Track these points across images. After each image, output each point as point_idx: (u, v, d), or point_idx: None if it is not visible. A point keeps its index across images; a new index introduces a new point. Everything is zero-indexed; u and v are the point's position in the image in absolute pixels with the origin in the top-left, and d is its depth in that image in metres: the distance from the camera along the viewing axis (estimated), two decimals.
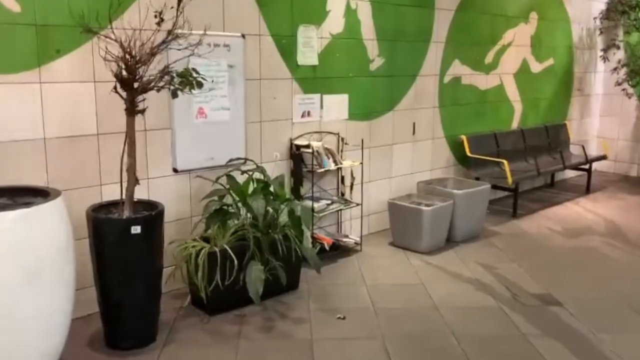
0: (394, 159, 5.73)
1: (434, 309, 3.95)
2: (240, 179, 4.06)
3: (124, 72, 3.23)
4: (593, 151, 8.27)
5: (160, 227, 3.38)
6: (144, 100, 3.31)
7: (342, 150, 5.15)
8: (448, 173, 6.34)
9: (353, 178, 5.16)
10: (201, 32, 3.63)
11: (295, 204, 3.87)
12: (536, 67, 7.43)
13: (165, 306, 3.82)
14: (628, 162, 8.62)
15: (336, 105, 5.10)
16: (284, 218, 4.04)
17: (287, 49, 4.64)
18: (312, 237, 4.76)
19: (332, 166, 4.80)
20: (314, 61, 4.84)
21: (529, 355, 3.36)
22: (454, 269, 4.72)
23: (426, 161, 6.10)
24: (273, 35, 4.54)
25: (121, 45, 3.22)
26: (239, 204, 3.91)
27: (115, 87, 3.24)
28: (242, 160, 4.30)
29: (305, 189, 4.79)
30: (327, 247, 4.84)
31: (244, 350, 3.39)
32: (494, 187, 6.12)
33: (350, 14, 5.07)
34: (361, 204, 5.08)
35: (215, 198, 3.85)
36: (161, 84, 3.40)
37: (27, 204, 2.73)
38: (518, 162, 6.88)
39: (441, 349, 3.45)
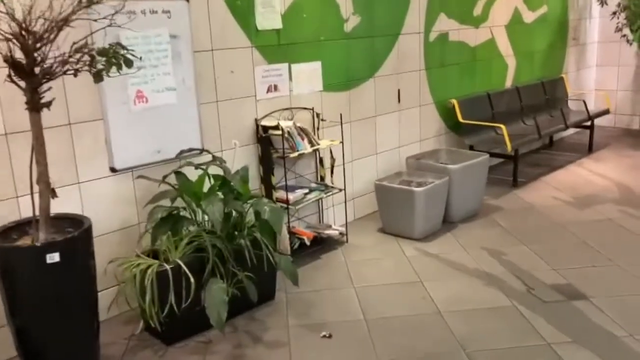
0: (378, 133, 5.01)
1: (436, 316, 3.30)
2: (195, 175, 3.33)
3: (21, 54, 2.47)
4: (592, 105, 7.62)
5: (87, 249, 2.67)
6: (49, 89, 2.54)
7: (318, 128, 4.42)
8: (439, 143, 5.65)
9: (333, 159, 4.45)
10: None
11: (262, 204, 3.15)
12: (529, 16, 6.68)
13: (111, 336, 3.16)
14: (629, 114, 7.99)
15: (308, 75, 4.34)
16: (251, 218, 3.34)
17: (242, 11, 3.85)
18: (290, 232, 4.08)
19: (308, 148, 4.07)
20: (277, 24, 4.06)
21: None
22: (455, 257, 4.07)
23: (414, 132, 5.39)
24: None
25: (13, 18, 2.44)
26: (194, 207, 3.20)
27: (9, 75, 2.48)
28: (197, 151, 3.57)
29: (278, 178, 4.07)
30: (307, 242, 4.17)
31: None
32: (491, 154, 5.45)
33: None
34: (344, 189, 4.38)
35: (161, 203, 3.13)
36: (78, 66, 2.64)
37: None
38: (515, 125, 6.20)
39: None
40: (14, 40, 2.44)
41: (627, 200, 5.09)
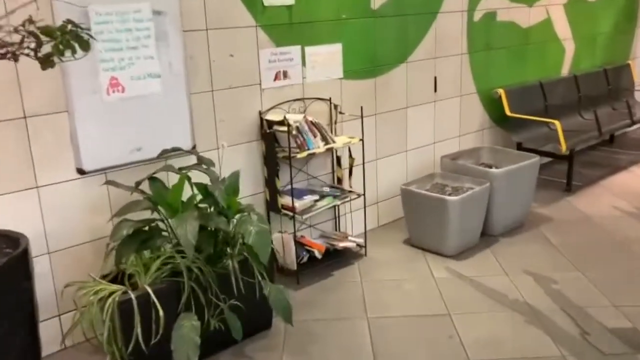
0: (409, 127, 4.34)
1: None
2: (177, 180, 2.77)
3: None
4: None
5: (20, 278, 2.15)
6: None
7: (335, 122, 3.79)
8: (481, 140, 4.93)
9: (352, 159, 3.81)
10: None
11: (247, 223, 2.54)
12: None
13: None
14: None
15: (325, 60, 3.70)
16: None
17: None
18: (297, 243, 3.50)
19: (321, 146, 3.45)
20: None
21: None
22: (493, 283, 3.40)
23: (453, 127, 4.68)
24: None
25: None
26: (170, 222, 2.64)
27: None
28: (182, 151, 3.00)
29: (284, 180, 3.48)
30: (318, 255, 3.58)
31: None
32: (540, 152, 4.70)
33: None
34: (364, 195, 3.75)
35: (133, 214, 2.58)
36: (13, 48, 2.10)
37: None
38: (571, 119, 5.40)
39: None
40: None
41: None
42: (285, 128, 3.28)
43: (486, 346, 2.79)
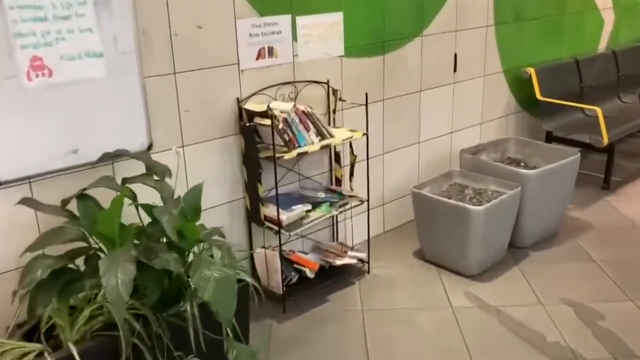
0: (422, 115, 3.62)
1: None
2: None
3: None
4: None
5: None
6: None
7: (334, 111, 3.09)
8: (505, 128, 4.21)
9: (354, 156, 3.12)
10: None
11: (204, 265, 1.85)
12: None
13: None
14: None
15: (321, 33, 2.97)
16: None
17: None
18: (285, 260, 2.85)
19: (315, 143, 2.76)
20: None
21: None
22: (523, 316, 2.74)
23: (474, 112, 3.97)
24: None
25: None
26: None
27: None
28: (128, 154, 2.31)
29: (269, 184, 2.79)
30: (310, 275, 2.92)
31: None
32: (573, 142, 4.00)
33: None
34: (367, 200, 3.06)
35: (51, 248, 1.91)
36: None
37: None
38: (609, 103, 4.67)
39: None
40: None
41: None
42: (269, 121, 2.58)
43: None
